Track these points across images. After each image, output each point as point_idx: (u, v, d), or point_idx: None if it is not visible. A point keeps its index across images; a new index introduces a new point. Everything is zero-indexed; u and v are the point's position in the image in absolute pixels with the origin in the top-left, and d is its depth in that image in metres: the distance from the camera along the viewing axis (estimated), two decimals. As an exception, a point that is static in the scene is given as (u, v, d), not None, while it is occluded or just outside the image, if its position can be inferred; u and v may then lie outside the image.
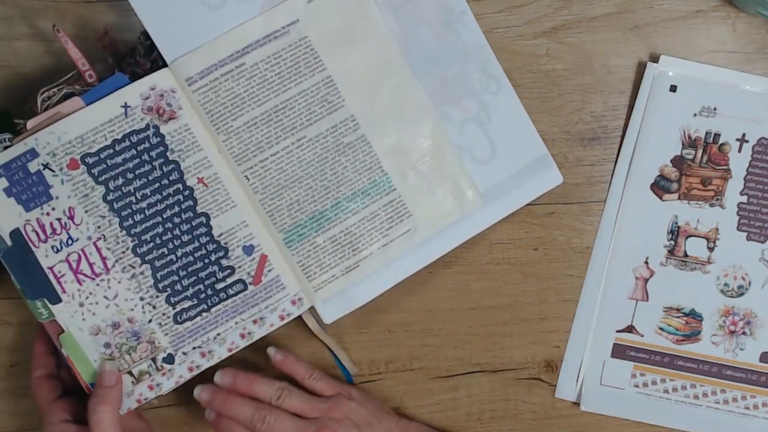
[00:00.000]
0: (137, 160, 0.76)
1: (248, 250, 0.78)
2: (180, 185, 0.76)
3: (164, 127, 0.76)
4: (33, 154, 0.74)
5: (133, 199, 0.76)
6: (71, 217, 0.75)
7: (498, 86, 0.80)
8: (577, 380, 0.86)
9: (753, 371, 0.85)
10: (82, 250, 0.76)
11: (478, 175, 0.80)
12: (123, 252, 0.76)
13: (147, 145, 0.76)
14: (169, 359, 0.78)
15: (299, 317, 0.81)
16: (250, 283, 0.78)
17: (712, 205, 0.83)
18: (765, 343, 0.85)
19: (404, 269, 0.81)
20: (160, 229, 0.76)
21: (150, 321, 0.78)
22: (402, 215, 0.80)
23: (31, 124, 0.74)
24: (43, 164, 0.74)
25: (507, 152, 0.81)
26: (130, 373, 0.78)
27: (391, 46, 0.78)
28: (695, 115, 0.82)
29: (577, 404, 0.86)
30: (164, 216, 0.76)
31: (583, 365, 0.86)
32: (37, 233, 0.75)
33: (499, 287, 0.85)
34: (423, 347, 0.86)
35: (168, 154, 0.76)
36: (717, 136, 0.82)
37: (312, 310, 0.81)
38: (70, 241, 0.75)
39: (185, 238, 0.77)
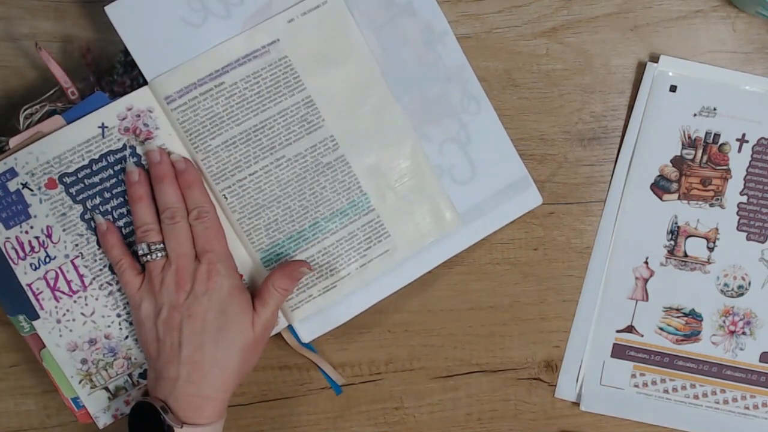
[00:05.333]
0: (114, 180, 0.76)
1: None
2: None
3: (141, 148, 0.76)
4: (12, 173, 0.75)
5: (110, 217, 0.76)
6: (49, 236, 0.76)
7: (479, 107, 0.80)
8: (577, 380, 0.86)
9: (753, 371, 0.85)
10: (60, 267, 0.76)
11: (458, 195, 0.80)
12: (100, 270, 0.77)
13: (124, 165, 0.76)
14: (146, 375, 0.79)
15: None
16: None
17: (712, 205, 0.83)
18: (765, 343, 0.85)
19: (382, 289, 0.81)
20: (136, 247, 0.75)
21: (126, 337, 0.78)
22: (380, 236, 0.79)
23: (13, 142, 0.75)
24: (22, 183, 0.75)
25: (487, 173, 0.80)
26: (107, 389, 0.79)
27: (372, 66, 0.78)
28: (695, 115, 0.82)
29: (577, 404, 0.86)
30: None
31: (583, 365, 0.86)
32: (16, 251, 0.76)
33: (499, 287, 0.85)
34: (423, 347, 0.86)
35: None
36: (717, 136, 0.82)
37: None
38: (48, 259, 0.76)
39: None
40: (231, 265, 0.76)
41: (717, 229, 0.83)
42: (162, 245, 0.74)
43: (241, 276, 0.78)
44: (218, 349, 0.73)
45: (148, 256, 0.74)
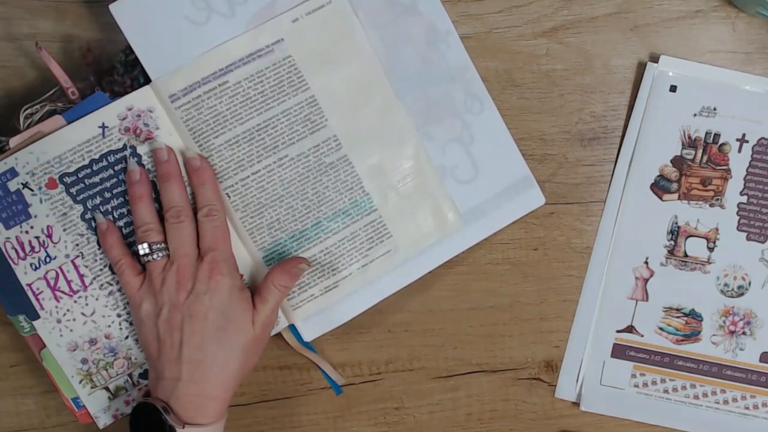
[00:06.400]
0: (114, 180, 0.76)
1: None
2: (158, 204, 0.76)
3: (141, 147, 0.76)
4: (13, 173, 0.75)
5: (111, 217, 0.76)
6: (49, 236, 0.76)
7: (482, 107, 0.80)
8: (577, 380, 0.86)
9: (753, 371, 0.85)
10: (60, 267, 0.76)
11: (460, 195, 0.80)
12: (101, 269, 0.77)
13: (124, 164, 0.76)
14: (146, 375, 0.79)
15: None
16: None
17: (712, 205, 0.83)
18: (765, 343, 0.85)
19: (384, 289, 0.81)
20: (137, 247, 0.75)
21: (127, 337, 0.78)
22: (382, 236, 0.80)
23: (13, 142, 0.75)
24: (22, 183, 0.75)
25: (489, 173, 0.80)
26: (107, 388, 0.79)
27: (375, 66, 0.78)
28: (695, 115, 0.82)
29: (577, 404, 0.86)
30: None
31: (583, 365, 0.86)
32: (16, 251, 0.76)
33: (499, 287, 0.85)
34: (423, 347, 0.86)
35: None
36: (717, 136, 0.82)
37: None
38: (48, 259, 0.76)
39: None
40: (233, 264, 0.76)
41: (717, 229, 0.83)
42: (163, 245, 0.74)
43: (242, 276, 0.78)
44: (219, 348, 0.73)
45: (149, 256, 0.74)
